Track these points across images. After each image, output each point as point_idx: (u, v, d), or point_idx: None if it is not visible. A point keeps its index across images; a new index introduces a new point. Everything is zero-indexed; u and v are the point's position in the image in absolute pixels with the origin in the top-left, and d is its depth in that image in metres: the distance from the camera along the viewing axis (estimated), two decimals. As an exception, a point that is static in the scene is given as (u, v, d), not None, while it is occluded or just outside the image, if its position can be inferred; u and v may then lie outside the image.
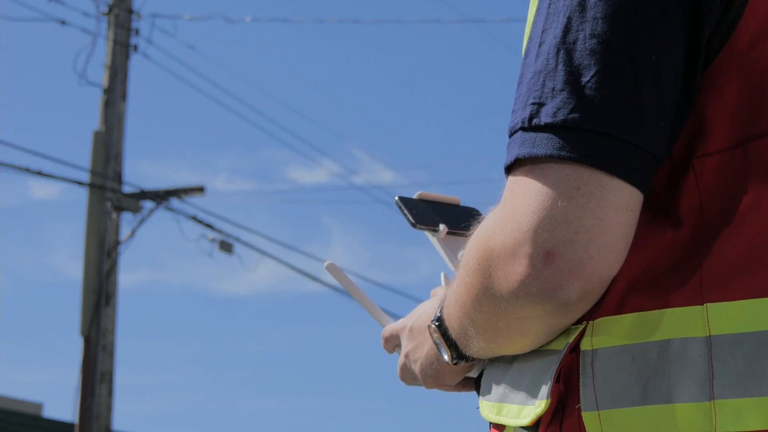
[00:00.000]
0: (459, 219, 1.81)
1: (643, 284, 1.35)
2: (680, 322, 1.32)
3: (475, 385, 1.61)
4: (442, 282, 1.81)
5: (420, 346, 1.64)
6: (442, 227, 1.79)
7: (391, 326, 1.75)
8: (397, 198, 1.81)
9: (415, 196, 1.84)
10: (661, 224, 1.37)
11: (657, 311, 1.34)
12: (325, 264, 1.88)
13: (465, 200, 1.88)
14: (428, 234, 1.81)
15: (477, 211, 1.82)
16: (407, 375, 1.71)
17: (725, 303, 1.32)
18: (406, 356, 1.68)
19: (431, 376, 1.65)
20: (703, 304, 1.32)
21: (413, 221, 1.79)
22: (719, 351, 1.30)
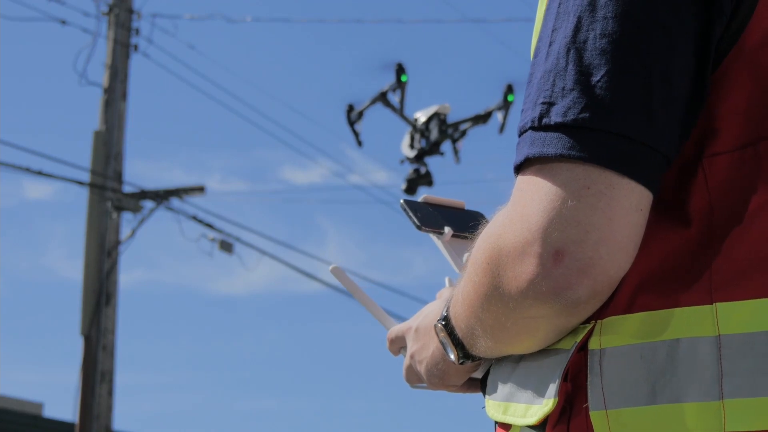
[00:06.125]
0: (463, 222, 1.82)
1: (652, 284, 1.35)
2: (689, 322, 1.32)
3: (480, 385, 1.61)
4: (447, 286, 1.81)
5: (425, 347, 1.64)
6: (447, 230, 1.80)
7: (397, 328, 1.75)
8: (402, 201, 1.82)
9: (420, 200, 1.84)
10: (671, 224, 1.36)
11: (666, 311, 1.34)
12: (330, 267, 1.89)
13: (461, 201, 1.89)
14: (433, 237, 1.81)
15: (482, 215, 1.83)
16: (413, 376, 1.71)
17: (735, 302, 1.31)
18: (412, 357, 1.68)
19: (437, 377, 1.64)
20: (712, 304, 1.32)
21: (418, 224, 1.80)
22: (729, 350, 1.30)
